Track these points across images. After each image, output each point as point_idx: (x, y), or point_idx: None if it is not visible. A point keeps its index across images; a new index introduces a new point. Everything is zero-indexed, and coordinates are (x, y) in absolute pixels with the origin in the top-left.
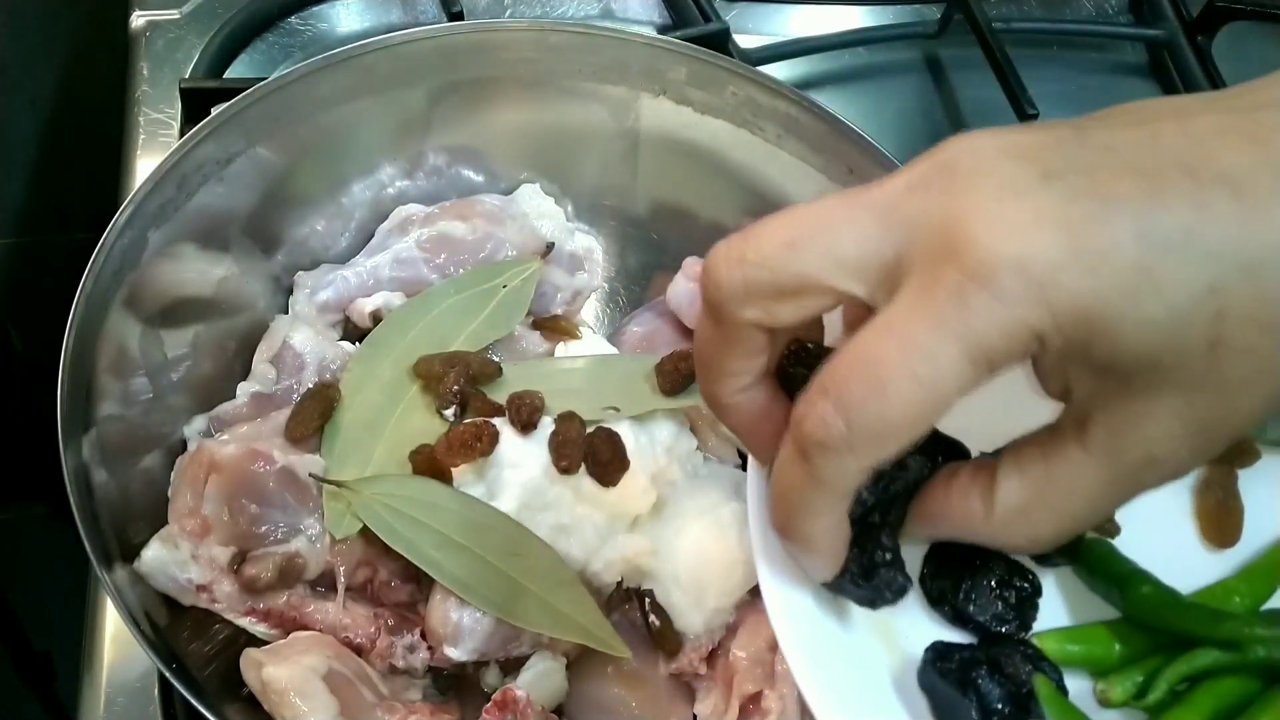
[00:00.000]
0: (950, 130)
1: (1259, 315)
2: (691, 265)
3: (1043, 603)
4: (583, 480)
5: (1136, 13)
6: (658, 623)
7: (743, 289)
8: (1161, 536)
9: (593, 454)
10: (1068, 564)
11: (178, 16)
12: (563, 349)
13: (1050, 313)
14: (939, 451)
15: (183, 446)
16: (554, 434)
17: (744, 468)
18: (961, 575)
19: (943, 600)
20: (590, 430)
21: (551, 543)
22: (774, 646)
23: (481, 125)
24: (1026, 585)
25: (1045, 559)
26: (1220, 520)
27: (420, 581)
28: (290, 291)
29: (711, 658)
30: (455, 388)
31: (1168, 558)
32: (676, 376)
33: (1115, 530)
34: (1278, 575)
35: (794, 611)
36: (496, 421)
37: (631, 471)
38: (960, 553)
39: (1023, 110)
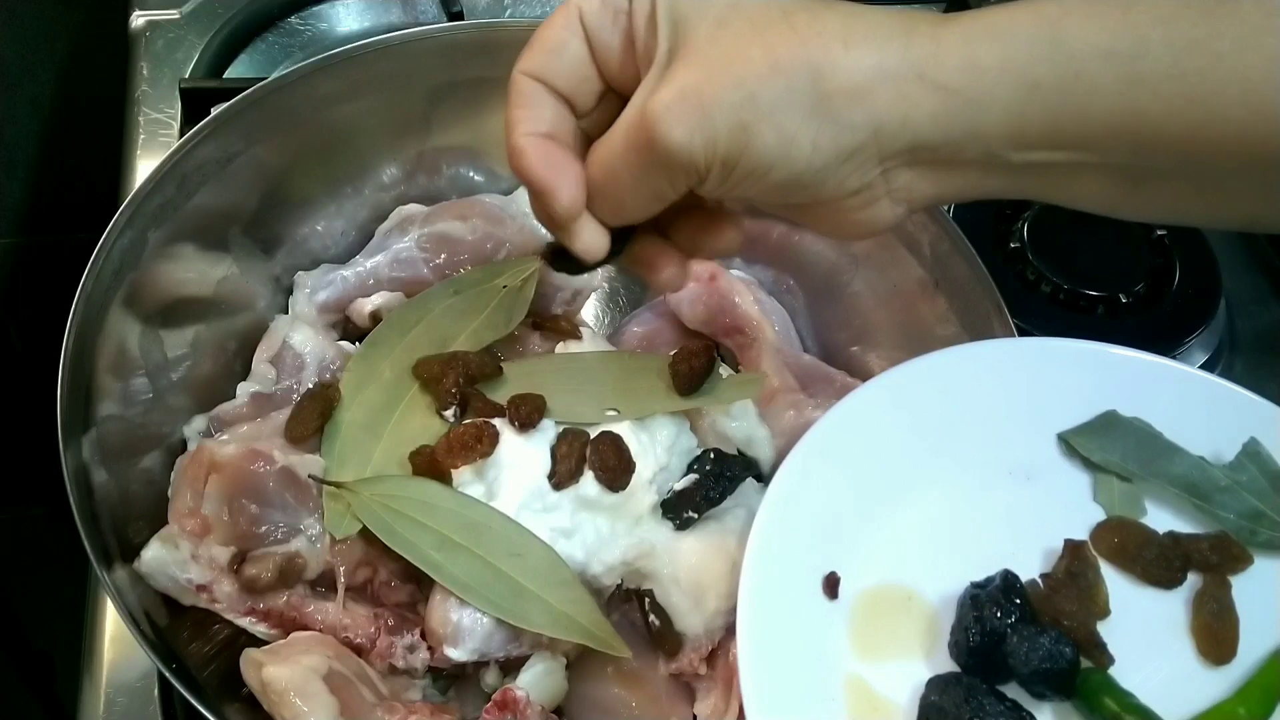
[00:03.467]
0: None
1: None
2: (692, 265)
3: None
4: (584, 484)
5: None
6: (658, 623)
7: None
8: (1159, 659)
9: (598, 460)
10: (1063, 700)
11: (178, 16)
12: (563, 349)
13: None
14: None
15: (183, 446)
16: (554, 449)
17: (745, 467)
18: (959, 719)
19: None
20: (595, 435)
21: (552, 545)
22: None
23: (481, 125)
24: None
25: (1040, 694)
26: (1216, 635)
27: (420, 581)
28: (290, 291)
29: (711, 658)
30: (455, 388)
31: (1167, 680)
32: (691, 376)
33: (1109, 660)
34: (1275, 694)
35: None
36: (496, 422)
37: (634, 472)
38: (956, 696)
39: None
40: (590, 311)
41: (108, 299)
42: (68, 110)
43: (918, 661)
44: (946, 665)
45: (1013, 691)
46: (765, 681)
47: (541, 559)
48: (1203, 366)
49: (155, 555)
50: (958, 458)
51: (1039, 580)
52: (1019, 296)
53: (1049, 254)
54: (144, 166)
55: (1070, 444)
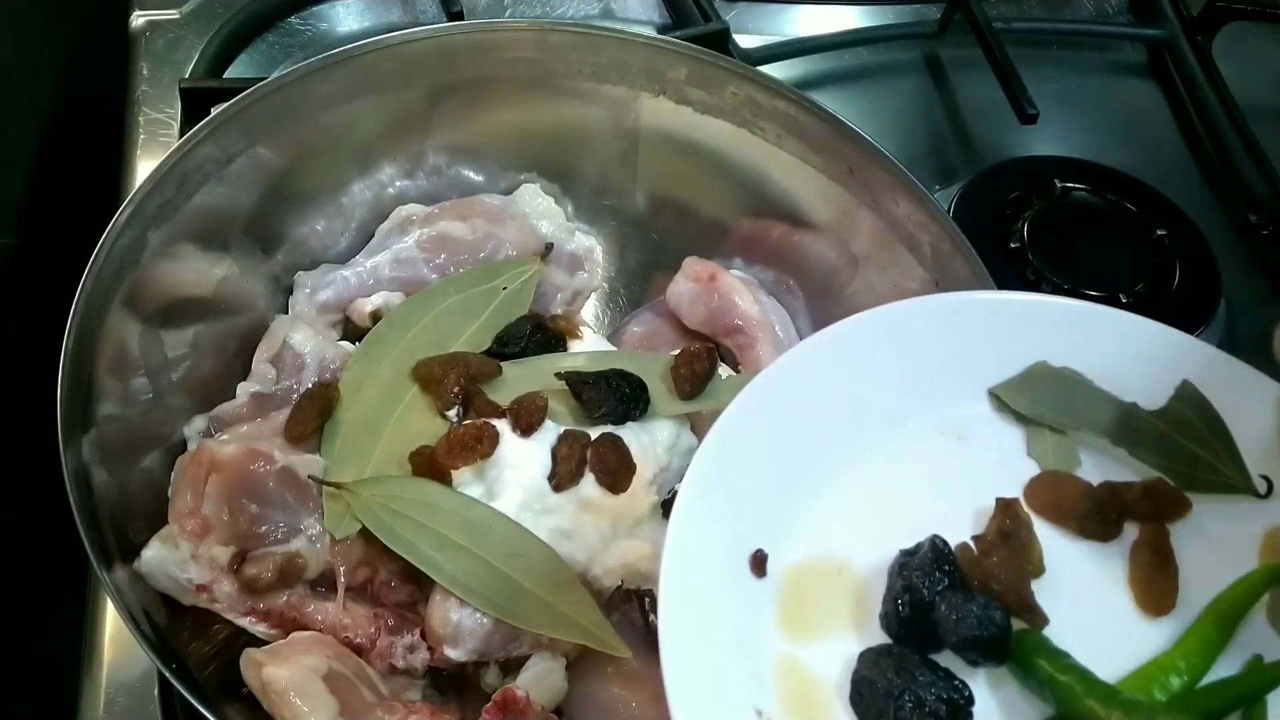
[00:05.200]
0: (950, 130)
1: None
2: (691, 265)
3: (977, 711)
4: (584, 486)
5: (1137, 12)
6: (658, 623)
7: None
8: (1097, 614)
9: (599, 462)
10: (997, 664)
11: (178, 16)
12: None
13: None
14: None
15: (183, 446)
16: (555, 450)
17: None
18: (891, 693)
19: (874, 718)
20: (595, 437)
21: (553, 546)
22: None
23: (481, 125)
24: (959, 696)
25: (973, 660)
26: (1154, 586)
27: (420, 581)
28: (290, 291)
29: None
30: (458, 388)
31: (1106, 636)
32: (693, 379)
33: (1043, 620)
34: (1214, 645)
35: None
36: (497, 423)
37: (635, 474)
38: (887, 668)
39: (1023, 109)
40: (590, 311)
41: (108, 299)
42: (68, 110)
43: (849, 635)
44: (879, 637)
45: (947, 660)
46: (689, 670)
47: (541, 560)
48: None
49: (155, 555)
50: (887, 420)
51: (970, 543)
52: None
53: (1049, 254)
54: (144, 166)
55: (1001, 399)
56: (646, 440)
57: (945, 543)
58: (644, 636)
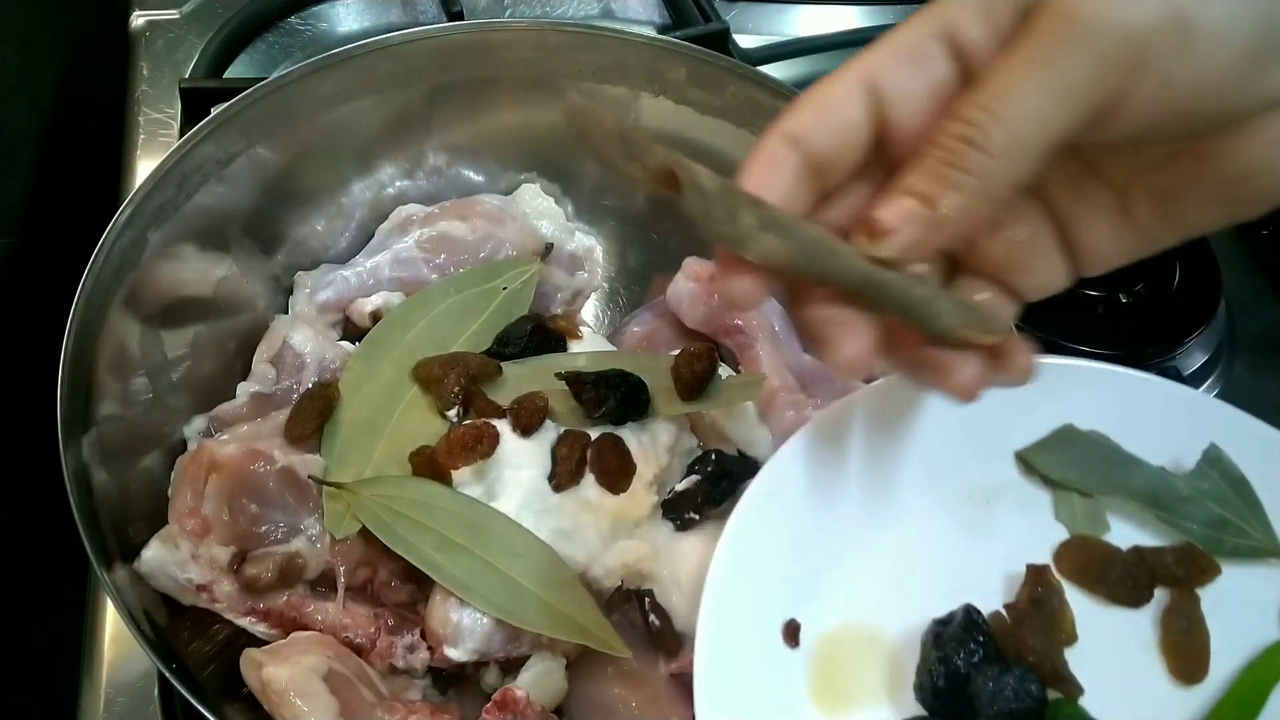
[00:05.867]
0: None
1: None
2: (691, 265)
3: None
4: (584, 486)
5: None
6: (658, 623)
7: None
8: (1130, 682)
9: (599, 463)
10: None
11: (178, 16)
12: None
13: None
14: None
15: (183, 446)
16: (554, 450)
17: (745, 468)
18: None
19: None
20: (595, 437)
21: (553, 546)
22: None
23: (481, 125)
24: None
25: None
26: (1186, 653)
27: (420, 581)
28: (290, 291)
29: None
30: (458, 387)
31: (1139, 704)
32: (694, 380)
33: (1078, 690)
34: (1248, 712)
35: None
36: (497, 423)
37: (635, 474)
38: None
39: None
40: (590, 311)
41: (108, 299)
42: (68, 110)
43: (884, 706)
44: (913, 708)
45: None
46: None
47: (541, 560)
48: (1203, 367)
49: (155, 555)
50: (916, 487)
51: (1003, 611)
52: None
53: None
54: (144, 166)
55: (1028, 462)
56: (646, 440)
57: (979, 612)
58: (644, 637)
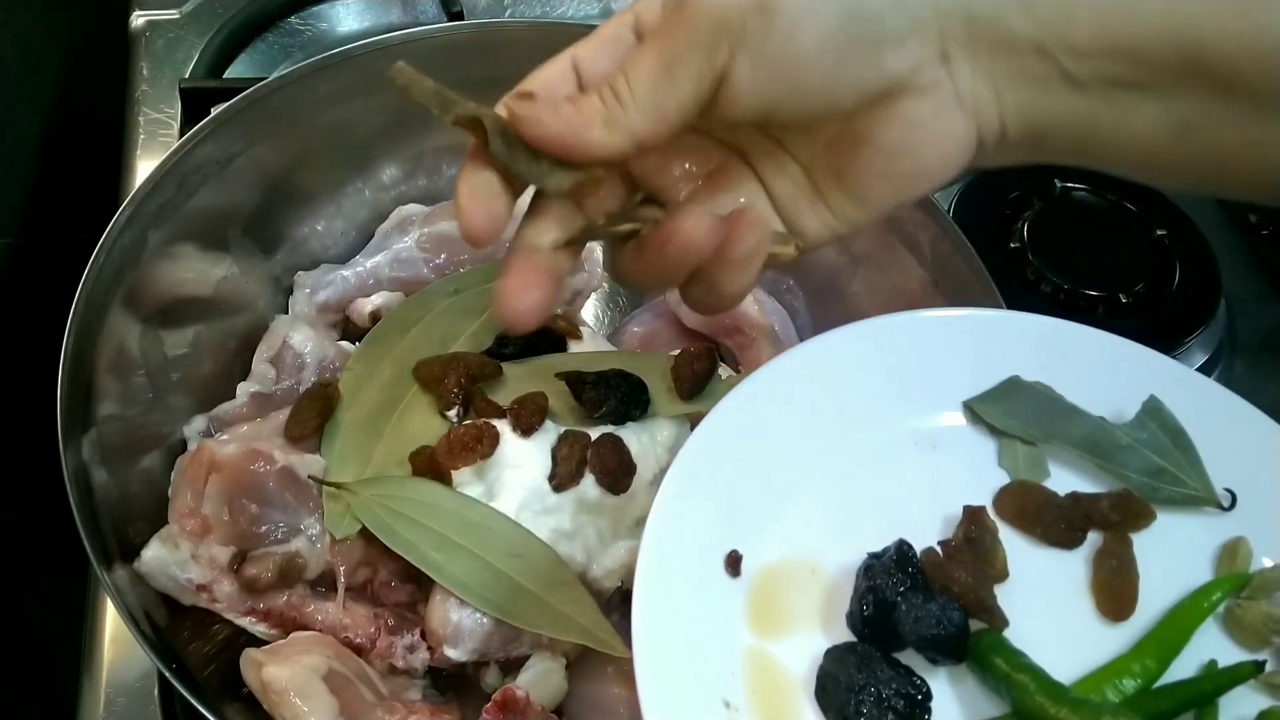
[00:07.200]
0: None
1: None
2: None
3: (935, 706)
4: (584, 486)
5: None
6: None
7: None
8: (1057, 618)
9: (599, 463)
10: (956, 663)
11: (178, 16)
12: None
13: None
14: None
15: (183, 446)
16: (555, 450)
17: None
18: (852, 687)
19: (835, 712)
20: (595, 437)
21: (553, 546)
22: None
23: None
24: (916, 692)
25: (933, 658)
26: (1115, 592)
27: (420, 581)
28: (290, 291)
29: None
30: (458, 388)
31: (1064, 639)
32: (694, 380)
33: (1003, 622)
34: (1170, 649)
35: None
36: (497, 423)
37: (635, 474)
38: (850, 664)
39: None
40: (590, 311)
41: (108, 299)
42: (68, 110)
43: (817, 633)
44: (845, 635)
45: (910, 658)
46: (660, 660)
47: (541, 560)
48: (1203, 366)
49: (155, 555)
50: (865, 430)
51: (937, 547)
52: (1019, 296)
53: (1049, 254)
54: (144, 166)
55: (975, 411)
56: (646, 440)
57: (910, 546)
58: None
